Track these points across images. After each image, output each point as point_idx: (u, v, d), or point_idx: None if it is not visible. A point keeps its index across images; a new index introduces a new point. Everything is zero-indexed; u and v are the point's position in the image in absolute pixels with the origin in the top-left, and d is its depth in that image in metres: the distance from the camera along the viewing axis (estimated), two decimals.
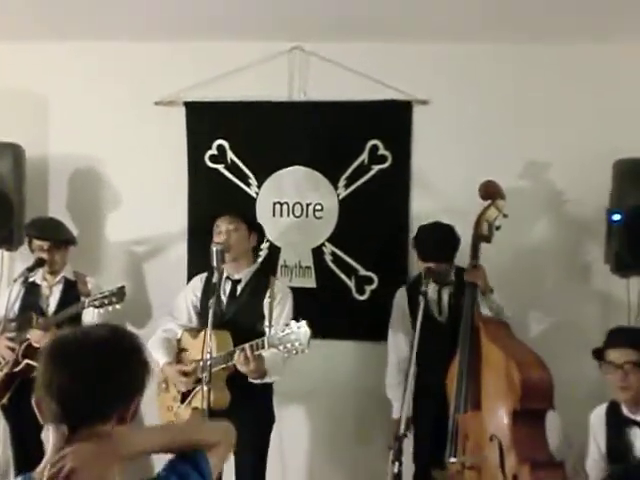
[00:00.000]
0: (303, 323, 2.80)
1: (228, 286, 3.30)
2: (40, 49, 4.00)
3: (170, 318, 3.44)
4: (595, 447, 2.96)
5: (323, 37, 3.83)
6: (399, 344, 3.54)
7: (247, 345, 2.96)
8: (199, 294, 3.41)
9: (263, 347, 2.92)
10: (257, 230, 3.42)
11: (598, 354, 2.93)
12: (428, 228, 3.53)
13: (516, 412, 3.01)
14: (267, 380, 3.11)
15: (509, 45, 3.82)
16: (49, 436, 1.39)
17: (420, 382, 3.52)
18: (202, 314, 3.36)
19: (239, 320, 3.20)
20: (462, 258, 3.46)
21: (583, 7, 3.39)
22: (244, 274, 3.32)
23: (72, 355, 1.40)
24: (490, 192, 3.33)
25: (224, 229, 3.27)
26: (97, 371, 1.39)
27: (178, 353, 3.33)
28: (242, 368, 2.97)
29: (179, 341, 3.38)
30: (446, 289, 3.53)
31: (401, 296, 3.59)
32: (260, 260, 3.70)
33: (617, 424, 2.88)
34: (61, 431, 1.38)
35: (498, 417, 3.04)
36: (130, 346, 1.46)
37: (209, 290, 3.24)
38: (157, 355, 3.27)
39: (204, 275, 3.43)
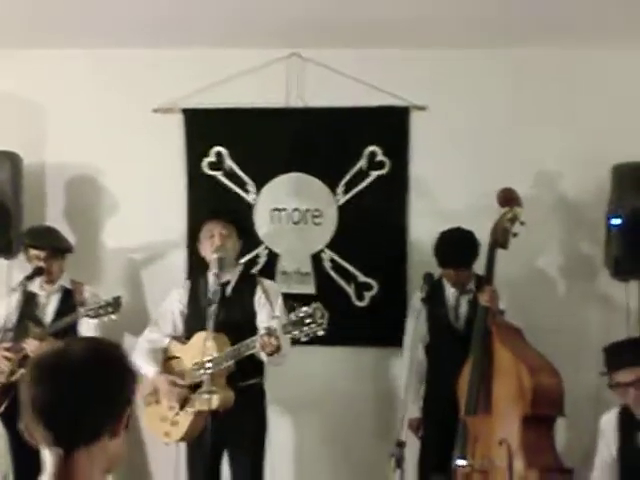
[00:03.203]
0: (319, 304, 2.86)
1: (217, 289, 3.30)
2: (37, 57, 3.99)
3: (154, 329, 3.42)
4: (607, 452, 2.96)
5: (320, 43, 3.83)
6: (414, 347, 3.49)
7: (263, 331, 2.99)
8: (185, 301, 3.40)
9: (276, 332, 2.95)
10: (245, 235, 3.45)
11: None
12: (448, 233, 3.50)
13: (526, 417, 3.02)
14: (280, 356, 3.09)
15: (506, 50, 3.83)
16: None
17: (431, 386, 3.54)
18: (189, 321, 3.38)
19: (232, 320, 3.19)
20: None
21: (580, 12, 3.41)
22: (231, 276, 3.34)
23: (52, 375, 1.33)
24: (508, 199, 3.34)
25: (217, 233, 3.28)
26: (80, 390, 1.32)
27: (166, 362, 3.32)
28: (267, 350, 2.99)
29: (166, 350, 3.36)
30: (465, 296, 3.52)
31: (417, 299, 3.51)
32: (243, 261, 3.68)
33: (630, 428, 2.89)
34: (56, 454, 1.33)
35: (508, 421, 3.06)
36: (112, 358, 1.39)
37: (195, 296, 3.33)
38: (144, 366, 3.25)
39: (186, 283, 3.49)
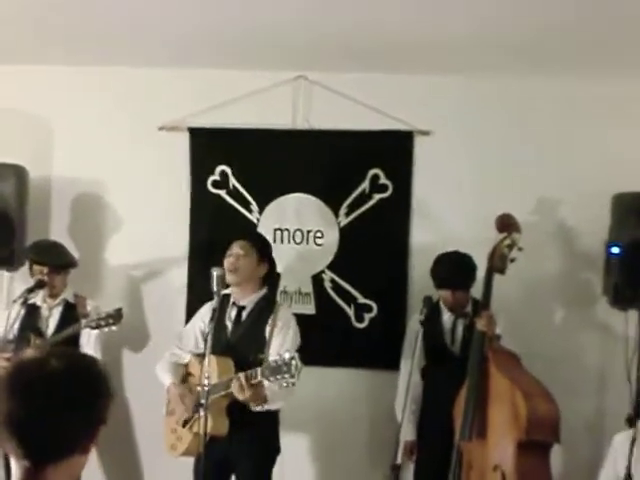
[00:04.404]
0: (296, 355, 2.75)
1: (234, 312, 3.28)
2: (45, 73, 4.04)
3: (178, 343, 3.41)
4: (612, 470, 2.93)
5: (327, 67, 3.88)
6: (410, 369, 3.48)
7: (242, 374, 2.94)
8: (207, 320, 3.32)
9: (256, 377, 2.89)
10: (268, 259, 3.36)
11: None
12: (445, 255, 3.54)
13: (521, 443, 3.02)
14: (267, 407, 3.07)
15: (510, 78, 3.87)
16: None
17: (426, 409, 3.54)
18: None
19: (242, 346, 3.18)
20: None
21: (585, 43, 3.44)
22: (250, 300, 3.30)
23: (28, 387, 1.29)
24: (506, 224, 3.36)
25: (234, 252, 3.27)
26: (56, 408, 1.28)
27: (185, 377, 3.32)
28: (239, 396, 2.95)
29: (187, 365, 3.36)
30: (461, 320, 3.53)
31: (414, 322, 3.49)
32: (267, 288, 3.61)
33: None
34: (23, 467, 1.30)
35: (503, 447, 3.05)
36: (90, 375, 1.36)
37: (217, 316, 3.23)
38: (163, 377, 3.31)
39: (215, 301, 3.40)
